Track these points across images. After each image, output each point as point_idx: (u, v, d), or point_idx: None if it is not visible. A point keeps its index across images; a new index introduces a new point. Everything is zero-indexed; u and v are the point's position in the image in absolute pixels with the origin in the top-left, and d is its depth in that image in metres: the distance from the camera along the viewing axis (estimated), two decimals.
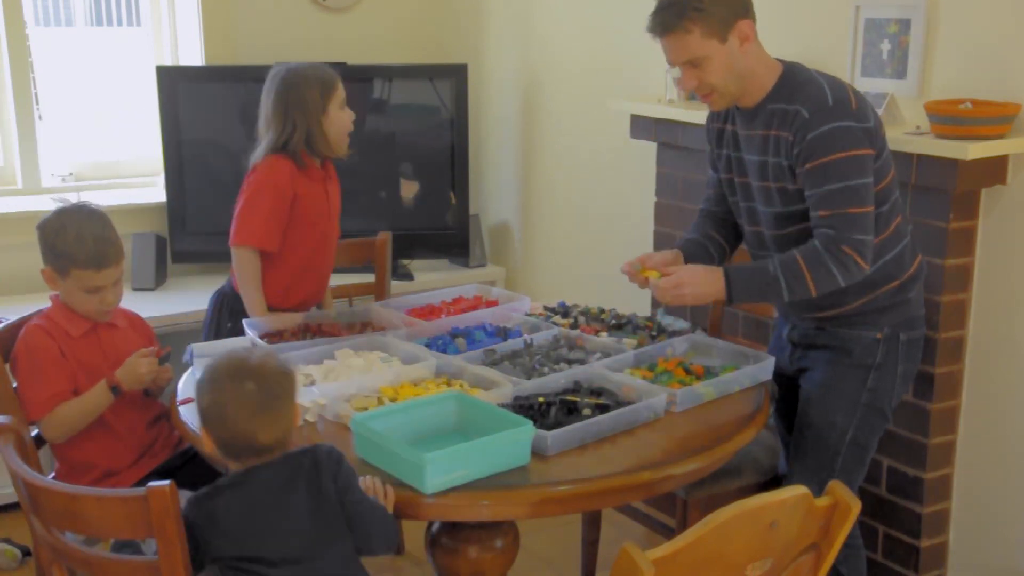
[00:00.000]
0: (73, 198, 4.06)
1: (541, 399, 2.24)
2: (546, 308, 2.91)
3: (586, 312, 2.83)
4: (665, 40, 2.32)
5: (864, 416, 2.46)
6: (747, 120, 2.43)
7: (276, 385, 1.88)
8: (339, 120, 2.90)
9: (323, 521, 1.88)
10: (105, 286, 2.42)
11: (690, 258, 2.55)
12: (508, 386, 2.29)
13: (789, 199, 2.38)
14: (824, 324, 2.48)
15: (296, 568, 1.86)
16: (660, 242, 3.57)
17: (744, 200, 2.51)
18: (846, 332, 2.46)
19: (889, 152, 2.39)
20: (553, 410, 2.19)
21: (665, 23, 2.30)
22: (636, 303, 3.41)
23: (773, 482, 2.66)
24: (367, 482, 1.93)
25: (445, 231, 4.29)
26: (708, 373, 2.46)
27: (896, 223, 2.42)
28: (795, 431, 2.53)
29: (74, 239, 2.38)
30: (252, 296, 2.90)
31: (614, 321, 2.75)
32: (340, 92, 2.90)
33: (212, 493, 1.89)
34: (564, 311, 2.87)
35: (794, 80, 2.35)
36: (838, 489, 1.64)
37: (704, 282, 2.34)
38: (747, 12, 2.32)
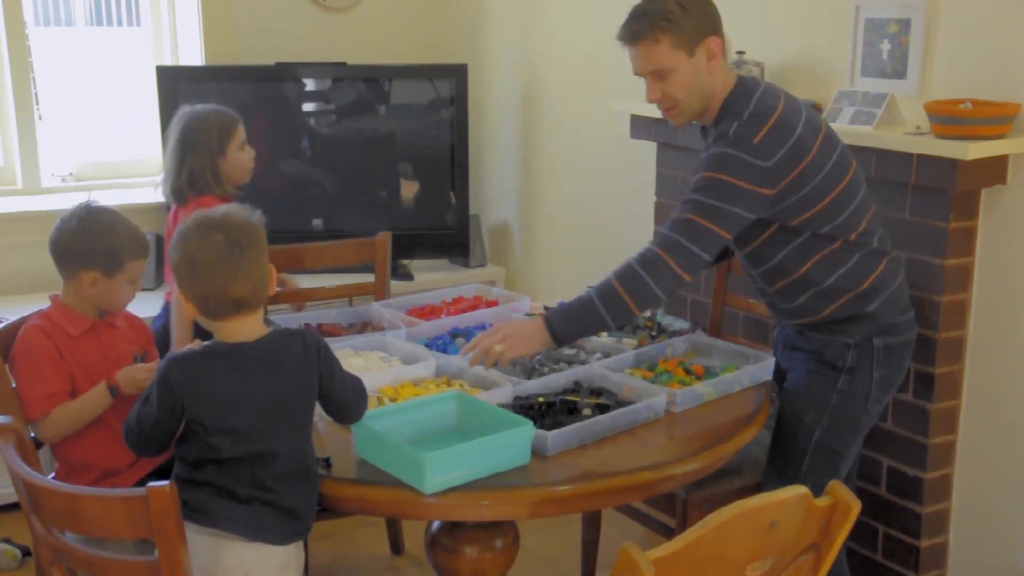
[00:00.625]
0: (72, 198, 4.07)
1: (541, 399, 2.24)
2: (546, 308, 2.90)
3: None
4: (634, 48, 2.34)
5: (834, 418, 2.45)
6: (704, 136, 2.50)
7: (243, 234, 1.96)
8: (238, 160, 3.07)
9: (303, 401, 1.98)
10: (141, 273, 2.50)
11: None
12: (508, 386, 2.29)
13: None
14: (803, 329, 2.50)
15: (263, 444, 1.93)
16: None
17: None
18: (818, 337, 2.46)
19: (827, 182, 2.32)
20: (553, 410, 2.20)
21: (635, 32, 2.32)
22: None
23: None
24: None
25: (445, 231, 4.29)
26: (708, 373, 2.46)
27: (840, 242, 2.37)
28: (773, 429, 2.56)
29: (126, 234, 2.42)
30: (184, 331, 2.90)
31: None
32: (239, 134, 3.08)
33: (200, 358, 1.95)
34: None
35: (734, 101, 2.35)
36: (838, 489, 1.64)
37: (528, 335, 2.32)
38: (716, 30, 2.34)
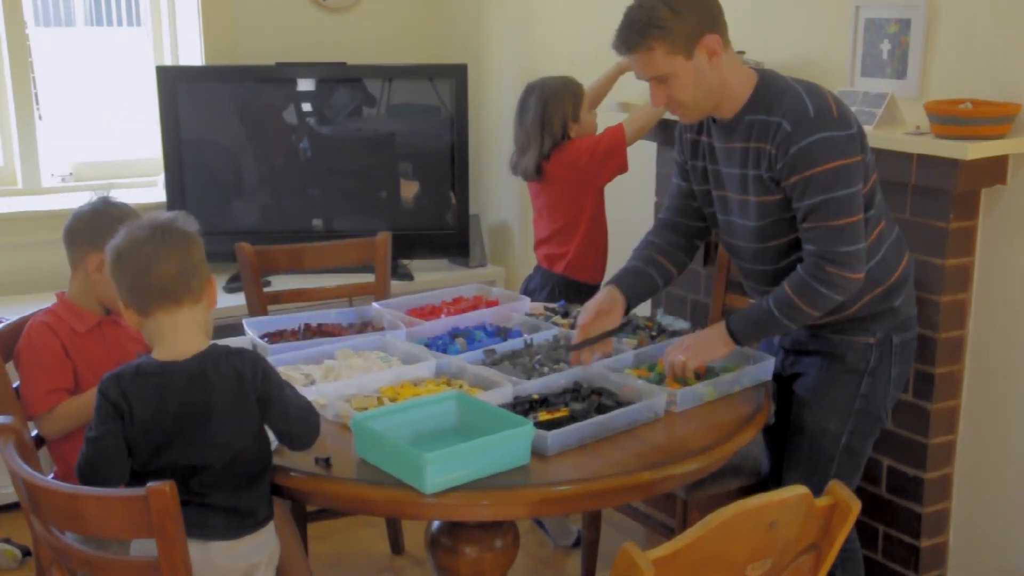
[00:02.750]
0: (72, 198, 4.07)
1: (535, 396, 2.25)
2: (546, 308, 2.91)
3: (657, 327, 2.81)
4: (630, 57, 2.30)
5: (858, 422, 2.44)
6: (724, 133, 2.38)
7: (169, 228, 1.98)
8: (588, 123, 3.34)
9: (233, 418, 1.95)
10: None
11: (631, 294, 2.53)
12: (508, 386, 2.29)
13: (768, 212, 2.34)
14: (817, 331, 2.47)
15: (186, 459, 1.94)
16: None
17: (722, 213, 2.48)
18: (838, 338, 2.44)
19: (872, 157, 2.34)
20: (547, 405, 2.20)
21: (628, 41, 2.27)
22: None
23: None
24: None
25: (445, 231, 4.29)
26: (708, 373, 2.46)
27: (879, 229, 2.38)
28: (789, 436, 2.52)
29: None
30: None
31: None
32: (586, 97, 3.37)
33: (131, 376, 1.96)
34: (564, 311, 2.87)
35: (770, 90, 2.30)
36: (838, 489, 1.64)
37: (710, 343, 2.37)
38: (714, 25, 2.26)
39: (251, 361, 1.98)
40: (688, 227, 2.61)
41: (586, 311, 2.50)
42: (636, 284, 2.55)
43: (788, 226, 2.34)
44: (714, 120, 2.40)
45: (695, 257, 2.68)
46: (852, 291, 2.29)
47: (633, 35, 2.25)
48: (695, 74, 2.26)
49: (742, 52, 3.17)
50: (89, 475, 1.97)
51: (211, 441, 1.95)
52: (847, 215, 2.23)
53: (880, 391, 2.44)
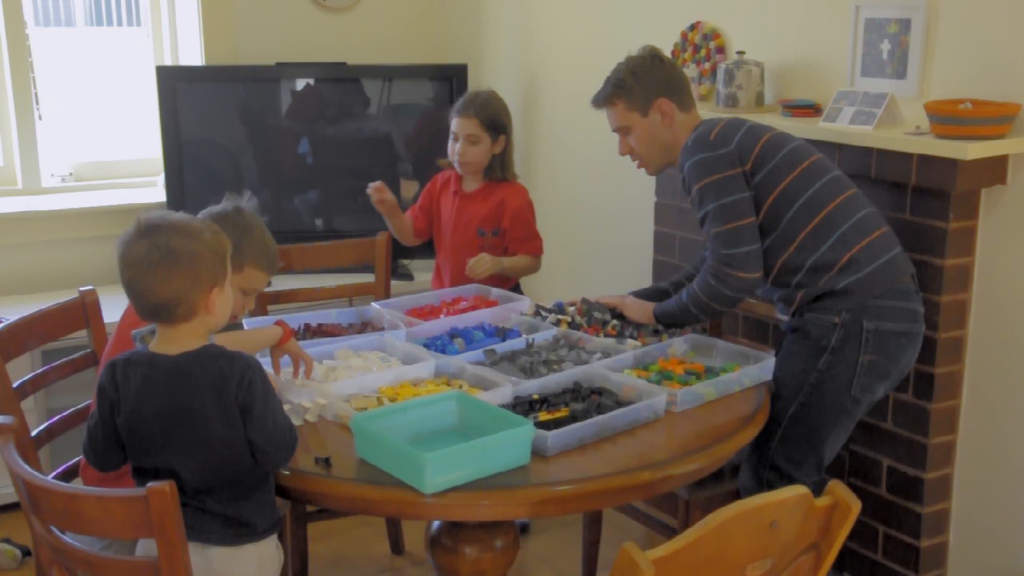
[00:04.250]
0: (72, 198, 4.07)
1: (535, 396, 2.25)
2: (539, 308, 2.88)
3: (587, 314, 2.82)
4: (604, 111, 2.76)
5: (812, 396, 2.50)
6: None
7: (176, 243, 1.90)
8: None
9: (211, 421, 1.92)
10: (259, 292, 2.53)
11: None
12: (508, 386, 2.29)
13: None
14: (796, 311, 2.59)
15: (163, 459, 1.93)
16: (660, 242, 3.57)
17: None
18: (808, 315, 2.56)
19: (795, 158, 2.57)
20: (547, 405, 2.21)
21: (598, 97, 2.77)
22: None
23: None
24: None
25: None
26: (708, 373, 2.46)
27: (818, 219, 2.53)
28: None
29: (260, 241, 2.42)
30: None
31: (613, 323, 2.75)
32: None
33: (123, 363, 1.96)
34: (559, 310, 2.85)
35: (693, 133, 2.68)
36: (838, 489, 1.64)
37: (639, 311, 2.76)
38: (670, 93, 2.69)
39: (240, 368, 1.93)
40: None
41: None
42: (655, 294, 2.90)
43: (773, 216, 2.58)
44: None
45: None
46: (751, 288, 2.58)
47: (602, 92, 2.76)
48: (649, 130, 2.72)
49: (742, 52, 3.18)
50: (90, 458, 2.03)
51: (193, 442, 1.93)
52: (726, 221, 2.54)
53: (842, 373, 2.49)
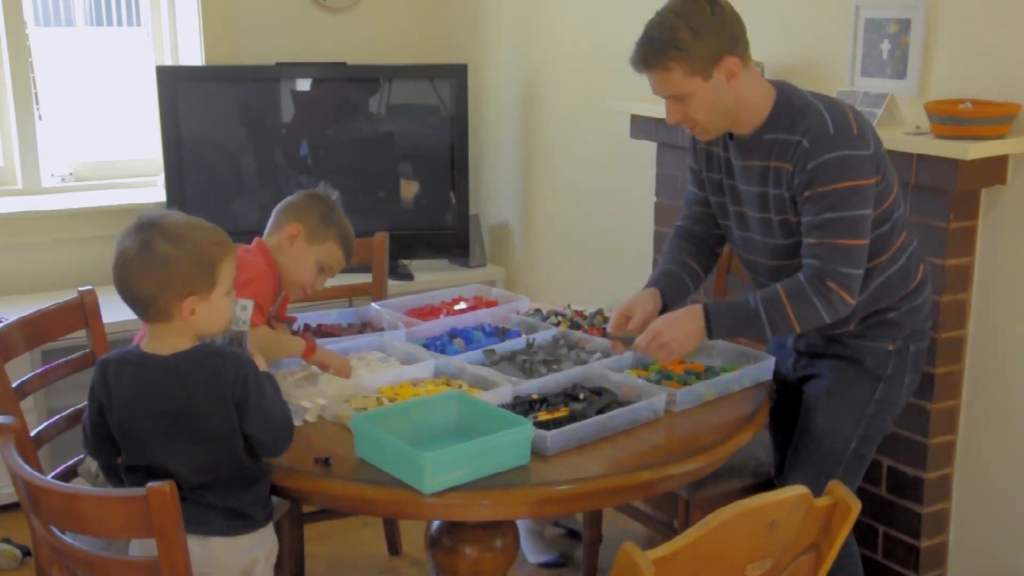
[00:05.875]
0: (72, 198, 4.07)
1: (535, 396, 2.25)
2: (531, 312, 2.87)
3: (590, 316, 2.81)
4: (648, 74, 2.28)
5: (869, 427, 2.43)
6: (742, 150, 2.36)
7: (163, 242, 1.91)
8: None
9: (208, 419, 1.93)
10: (332, 275, 2.56)
11: (669, 296, 2.51)
12: (508, 386, 2.29)
13: (790, 231, 2.33)
14: (836, 336, 2.45)
15: (156, 457, 1.94)
16: (660, 242, 3.57)
17: (740, 229, 2.47)
18: (858, 343, 2.42)
19: (892, 172, 2.33)
20: (547, 404, 2.20)
21: (646, 60, 2.25)
22: None
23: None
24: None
25: (445, 231, 4.28)
26: (708, 373, 2.46)
27: (901, 240, 2.38)
28: (796, 436, 2.51)
29: (345, 221, 2.53)
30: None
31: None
32: None
33: (115, 363, 1.97)
34: (543, 317, 2.83)
35: (791, 107, 2.29)
36: (838, 489, 1.63)
37: (684, 326, 2.30)
38: (734, 48, 2.25)
39: (234, 365, 1.94)
40: (706, 235, 2.61)
41: (624, 307, 2.47)
42: (673, 286, 2.54)
43: None
44: (731, 135, 2.38)
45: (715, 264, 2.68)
46: (843, 314, 2.27)
47: (652, 54, 2.23)
48: (712, 95, 2.25)
49: None
50: (86, 445, 2.06)
51: (190, 440, 1.94)
52: (855, 236, 2.22)
53: (893, 398, 2.44)
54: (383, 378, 2.36)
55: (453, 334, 2.65)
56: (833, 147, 2.20)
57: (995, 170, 2.65)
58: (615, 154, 3.85)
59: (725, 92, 2.25)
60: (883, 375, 2.42)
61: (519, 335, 2.65)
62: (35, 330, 2.55)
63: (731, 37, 2.25)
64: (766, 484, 2.66)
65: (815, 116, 2.24)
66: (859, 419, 2.42)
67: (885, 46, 2.87)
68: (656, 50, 2.22)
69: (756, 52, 3.17)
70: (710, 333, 2.31)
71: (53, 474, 2.47)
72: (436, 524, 2.23)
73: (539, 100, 4.22)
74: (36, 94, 4.10)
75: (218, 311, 1.98)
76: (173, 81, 3.98)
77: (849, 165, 2.20)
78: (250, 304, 2.10)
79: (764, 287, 2.39)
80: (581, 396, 2.27)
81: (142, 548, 2.00)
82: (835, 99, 2.33)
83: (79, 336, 2.67)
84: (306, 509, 2.95)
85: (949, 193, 2.65)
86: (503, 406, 2.20)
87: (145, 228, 1.93)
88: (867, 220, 2.24)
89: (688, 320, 2.31)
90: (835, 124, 2.22)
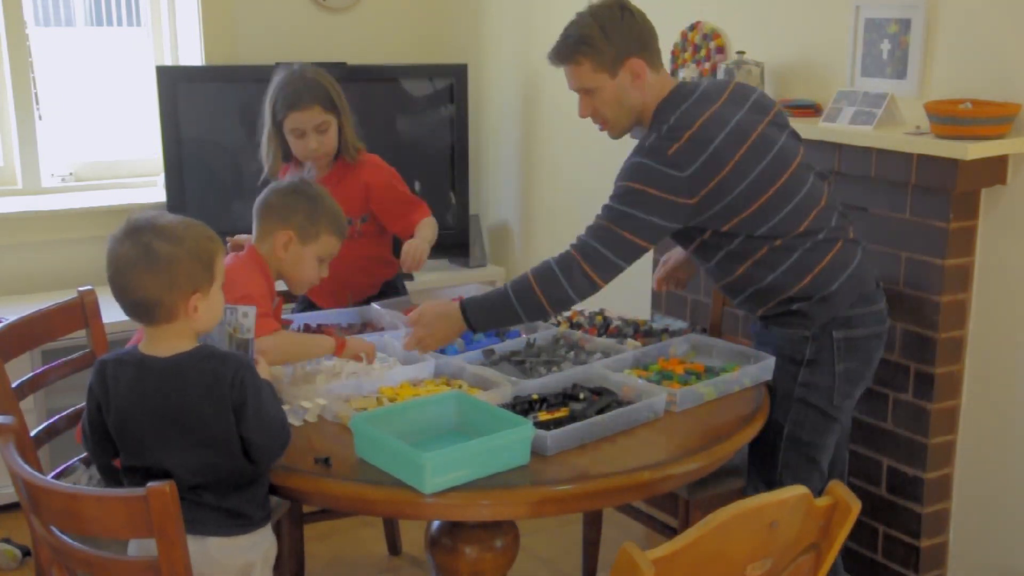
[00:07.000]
0: (72, 198, 4.07)
1: (535, 396, 2.25)
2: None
3: (590, 317, 2.81)
4: (564, 68, 2.48)
5: (799, 411, 2.46)
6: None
7: (159, 245, 1.90)
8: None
9: (206, 422, 1.92)
10: (333, 259, 2.55)
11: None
12: (508, 386, 2.29)
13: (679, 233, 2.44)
14: (766, 323, 2.53)
15: (154, 459, 1.94)
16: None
17: None
18: (779, 331, 2.49)
19: (754, 184, 2.34)
20: (547, 404, 2.20)
21: (559, 54, 2.47)
22: (636, 303, 3.41)
23: None
24: None
25: (445, 231, 4.23)
26: (708, 373, 2.46)
27: (780, 241, 2.38)
28: None
29: (331, 210, 2.51)
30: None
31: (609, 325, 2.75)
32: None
33: (114, 363, 1.97)
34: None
35: (661, 112, 2.43)
36: (838, 489, 1.64)
37: (442, 323, 2.41)
38: (641, 51, 2.41)
39: (233, 368, 1.94)
40: None
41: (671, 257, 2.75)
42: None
43: (691, 233, 2.43)
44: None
45: None
46: (587, 293, 2.35)
47: (564, 49, 2.45)
48: (617, 92, 2.43)
49: (742, 52, 3.18)
50: (86, 446, 2.06)
51: (188, 442, 1.93)
52: (629, 230, 2.33)
53: (823, 383, 2.45)
54: (383, 378, 2.36)
55: None
56: (639, 154, 2.38)
57: (995, 170, 2.65)
58: (615, 154, 3.84)
59: (631, 91, 2.43)
60: (802, 359, 2.45)
61: (519, 335, 2.65)
62: (35, 330, 2.55)
63: (639, 41, 2.42)
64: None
65: (657, 129, 2.40)
66: (786, 404, 2.46)
67: (885, 46, 2.87)
68: (569, 45, 2.44)
69: (756, 52, 3.19)
70: (471, 327, 2.41)
71: (53, 474, 2.47)
72: (436, 524, 2.23)
73: (539, 100, 4.22)
74: (36, 94, 4.10)
75: (217, 304, 2.01)
76: (173, 81, 3.98)
77: (644, 172, 2.34)
78: (252, 311, 2.11)
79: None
80: (581, 396, 2.27)
81: (140, 548, 2.00)
82: (715, 119, 2.37)
83: (79, 336, 2.67)
84: (306, 509, 2.95)
85: (949, 193, 2.65)
86: (503, 406, 2.20)
87: (140, 231, 1.93)
88: (650, 226, 2.33)
89: (447, 316, 2.42)
90: (657, 140, 2.36)
